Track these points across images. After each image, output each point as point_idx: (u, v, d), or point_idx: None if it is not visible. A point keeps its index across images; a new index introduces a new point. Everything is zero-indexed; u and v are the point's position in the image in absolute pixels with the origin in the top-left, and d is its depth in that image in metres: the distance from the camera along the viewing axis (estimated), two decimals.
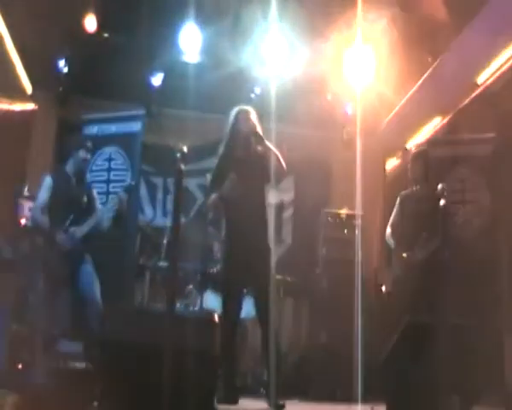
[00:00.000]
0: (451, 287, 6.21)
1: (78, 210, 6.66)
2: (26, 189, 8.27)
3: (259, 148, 6.22)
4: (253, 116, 6.37)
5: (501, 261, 7.47)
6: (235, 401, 5.95)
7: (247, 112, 6.41)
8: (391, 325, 6.41)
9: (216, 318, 4.96)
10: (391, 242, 7.34)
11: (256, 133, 6.22)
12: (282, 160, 6.15)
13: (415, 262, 6.88)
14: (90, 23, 8.50)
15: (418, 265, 6.84)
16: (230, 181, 6.07)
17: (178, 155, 4.26)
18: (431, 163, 7.40)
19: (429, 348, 4.89)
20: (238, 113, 6.44)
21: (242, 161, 6.22)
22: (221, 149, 6.42)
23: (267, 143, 6.18)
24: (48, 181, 6.75)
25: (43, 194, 6.70)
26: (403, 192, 7.38)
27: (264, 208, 6.30)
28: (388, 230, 7.40)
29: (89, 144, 6.95)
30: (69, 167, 6.85)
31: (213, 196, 6.25)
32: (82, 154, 6.84)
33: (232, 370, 6.20)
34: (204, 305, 7.58)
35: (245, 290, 6.54)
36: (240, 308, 6.21)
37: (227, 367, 6.08)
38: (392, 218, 7.41)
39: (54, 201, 6.62)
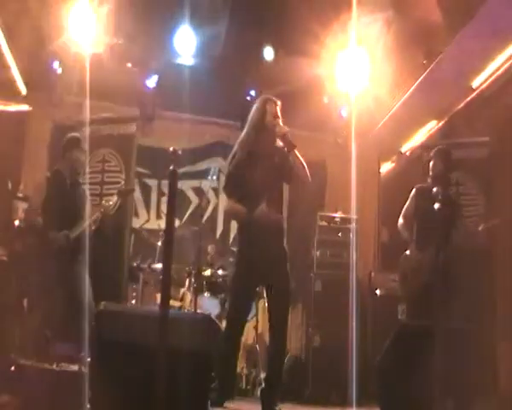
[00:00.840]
0: (451, 291, 6.21)
1: (72, 211, 6.65)
2: (20, 190, 8.24)
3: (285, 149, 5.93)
4: (279, 108, 6.02)
5: (496, 265, 7.45)
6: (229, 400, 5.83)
7: (275, 103, 6.04)
8: (385, 329, 6.41)
9: (210, 320, 4.96)
10: (405, 233, 7.20)
11: (286, 138, 5.87)
12: (307, 169, 5.94)
13: (427, 263, 6.75)
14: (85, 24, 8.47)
15: (429, 266, 6.71)
16: (261, 211, 5.75)
17: (172, 156, 4.24)
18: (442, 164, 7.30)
19: (424, 351, 4.87)
20: (266, 103, 6.03)
21: (264, 157, 5.93)
22: (242, 141, 6.05)
23: (296, 151, 5.89)
24: (42, 182, 6.74)
25: (38, 195, 6.68)
26: (419, 185, 7.20)
27: (282, 208, 6.09)
28: (401, 220, 7.23)
29: (84, 146, 6.94)
30: (64, 169, 6.83)
31: (239, 210, 5.91)
32: (77, 155, 6.83)
33: (233, 372, 6.07)
34: (198, 307, 7.57)
35: (257, 289, 6.42)
36: (249, 309, 6.08)
37: (227, 369, 5.91)
38: (405, 209, 7.21)
39: (48, 202, 6.60)
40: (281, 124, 5.93)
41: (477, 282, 7.09)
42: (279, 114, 5.99)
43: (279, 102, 6.05)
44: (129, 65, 9.15)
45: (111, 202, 6.91)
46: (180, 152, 4.25)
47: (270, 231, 5.76)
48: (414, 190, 7.22)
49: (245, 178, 5.85)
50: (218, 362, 6.05)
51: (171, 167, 4.02)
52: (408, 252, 7.06)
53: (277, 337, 5.85)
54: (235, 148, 6.07)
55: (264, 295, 6.22)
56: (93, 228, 6.74)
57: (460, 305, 6.17)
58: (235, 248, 9.63)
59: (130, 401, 4.14)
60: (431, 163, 7.13)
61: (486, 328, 6.67)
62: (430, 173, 7.11)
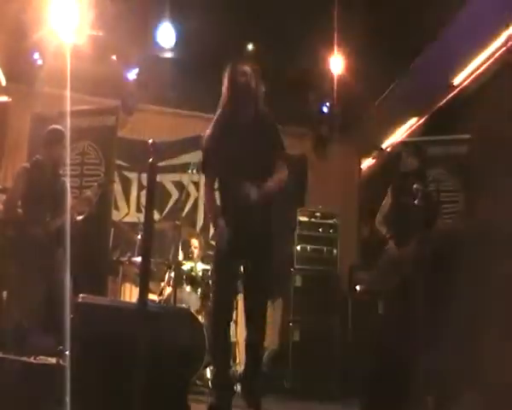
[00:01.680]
0: (432, 285, 6.24)
1: (53, 203, 6.60)
2: None
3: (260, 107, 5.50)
4: (249, 72, 5.53)
5: (476, 261, 7.48)
6: (228, 406, 5.26)
7: (240, 66, 5.55)
8: (366, 324, 6.43)
9: (189, 313, 4.97)
10: (383, 230, 7.19)
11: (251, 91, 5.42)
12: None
13: (407, 257, 6.79)
14: (66, 16, 8.43)
15: (408, 260, 6.75)
16: (220, 231, 5.40)
17: (151, 149, 4.22)
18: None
19: (406, 345, 4.89)
20: (231, 67, 5.55)
21: (243, 126, 5.43)
22: (216, 114, 5.62)
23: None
24: (22, 172, 6.68)
25: (18, 185, 6.63)
26: (395, 182, 7.27)
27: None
28: (379, 217, 7.23)
29: (65, 137, 6.89)
30: (44, 159, 6.78)
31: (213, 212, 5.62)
32: (58, 148, 6.78)
33: (226, 367, 5.52)
34: (178, 301, 7.54)
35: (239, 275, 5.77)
36: (233, 294, 5.66)
37: (220, 364, 5.49)
38: (382, 206, 7.22)
39: (28, 192, 6.56)
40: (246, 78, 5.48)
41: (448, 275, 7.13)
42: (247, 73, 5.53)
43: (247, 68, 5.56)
44: (114, 57, 9.12)
45: (89, 193, 6.89)
46: (157, 143, 4.22)
47: (252, 209, 5.27)
48: (390, 186, 7.25)
49: (221, 152, 5.44)
50: (212, 359, 5.90)
51: (150, 160, 4.00)
52: (387, 247, 7.09)
53: (254, 327, 5.49)
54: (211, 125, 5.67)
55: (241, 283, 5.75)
56: (79, 218, 6.71)
57: (441, 299, 6.20)
58: (215, 242, 9.67)
59: (110, 394, 4.12)
60: (406, 160, 7.18)
61: (471, 321, 6.71)
62: (405, 170, 7.15)
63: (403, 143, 8.69)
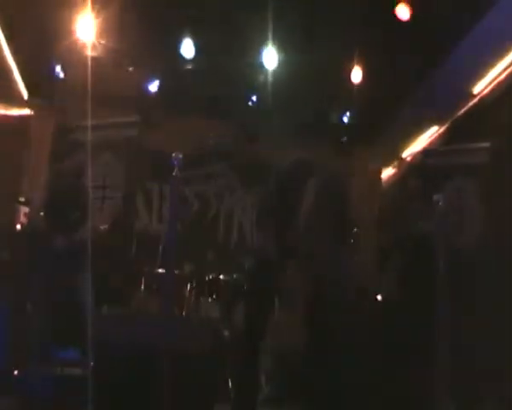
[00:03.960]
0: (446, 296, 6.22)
1: (76, 213, 6.64)
2: (22, 194, 8.26)
3: None
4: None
5: (496, 269, 7.46)
6: None
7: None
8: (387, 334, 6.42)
9: (211, 324, 5.01)
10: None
11: None
12: None
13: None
14: (87, 29, 8.49)
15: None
16: None
17: (175, 162, 4.24)
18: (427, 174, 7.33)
19: (428, 354, 4.88)
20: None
21: None
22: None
23: None
24: (46, 182, 6.73)
25: (41, 194, 6.67)
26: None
27: None
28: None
29: (88, 148, 6.94)
30: (67, 170, 6.83)
31: None
32: (81, 157, 6.83)
33: (252, 379, 5.12)
34: (199, 311, 7.57)
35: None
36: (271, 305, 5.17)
37: (247, 376, 5.22)
38: None
39: (51, 202, 6.60)
40: None
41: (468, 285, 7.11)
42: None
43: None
44: (130, 69, 9.17)
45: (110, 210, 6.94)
46: (181, 156, 4.25)
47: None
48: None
49: None
50: (238, 370, 5.78)
51: (173, 173, 4.03)
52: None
53: None
54: None
55: None
56: (102, 228, 6.77)
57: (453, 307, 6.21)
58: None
59: (133, 403, 4.16)
60: (410, 183, 7.18)
61: (489, 331, 6.69)
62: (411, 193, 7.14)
63: (409, 164, 8.70)
